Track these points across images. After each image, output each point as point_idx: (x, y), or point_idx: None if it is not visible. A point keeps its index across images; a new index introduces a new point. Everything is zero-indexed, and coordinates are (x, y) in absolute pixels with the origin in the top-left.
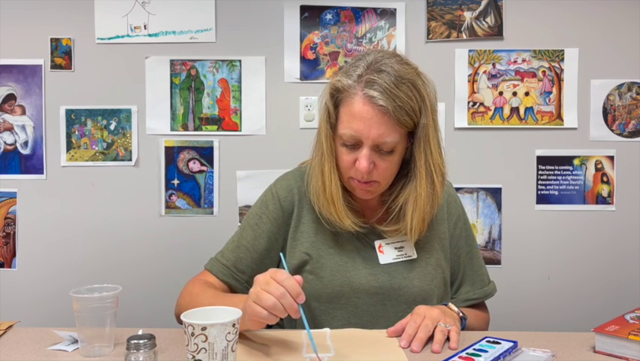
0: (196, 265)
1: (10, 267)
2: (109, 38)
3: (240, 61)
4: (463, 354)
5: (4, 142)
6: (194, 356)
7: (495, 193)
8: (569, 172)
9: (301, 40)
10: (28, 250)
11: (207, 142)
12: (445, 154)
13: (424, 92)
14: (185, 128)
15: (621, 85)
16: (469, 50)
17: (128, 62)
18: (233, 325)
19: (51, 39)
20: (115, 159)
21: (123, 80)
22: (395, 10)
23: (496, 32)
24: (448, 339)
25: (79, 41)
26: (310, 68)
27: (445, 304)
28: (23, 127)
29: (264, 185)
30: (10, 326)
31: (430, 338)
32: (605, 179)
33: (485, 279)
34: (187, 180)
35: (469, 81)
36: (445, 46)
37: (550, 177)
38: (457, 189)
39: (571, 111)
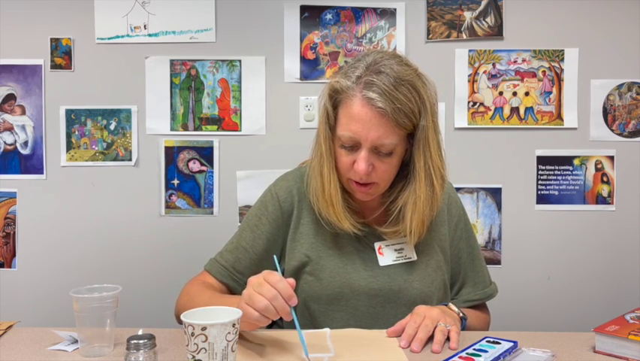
0: (196, 265)
1: (10, 267)
2: (109, 38)
3: (240, 61)
4: (463, 354)
5: (4, 142)
6: (194, 356)
7: (495, 193)
8: (569, 172)
9: (301, 40)
10: (28, 250)
11: (207, 142)
12: (446, 156)
13: (424, 94)
14: (185, 128)
15: (621, 85)
16: (469, 50)
17: (128, 62)
18: (233, 325)
19: (51, 39)
20: (115, 159)
21: (123, 80)
22: (395, 10)
23: (496, 32)
24: (448, 339)
25: (79, 41)
26: (310, 68)
27: (446, 305)
28: (23, 127)
29: (264, 185)
30: (10, 326)
31: (430, 338)
32: (605, 179)
33: (487, 280)
34: (187, 180)
35: (469, 81)
36: (445, 46)
37: (550, 177)
38: (457, 189)
39: (571, 111)
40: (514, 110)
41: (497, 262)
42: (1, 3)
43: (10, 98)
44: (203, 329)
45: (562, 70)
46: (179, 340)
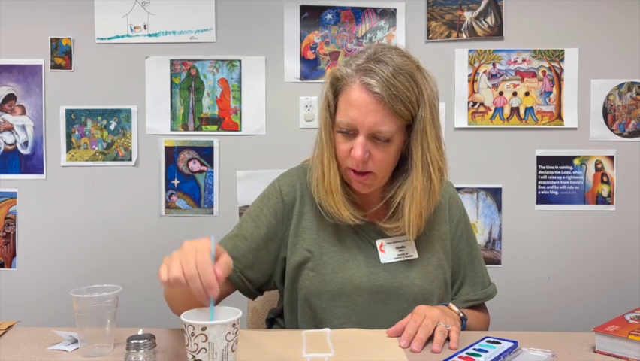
0: None
1: (10, 267)
2: (109, 38)
3: (240, 61)
4: (463, 354)
5: (4, 142)
6: (194, 356)
7: (495, 193)
8: (569, 172)
9: (301, 40)
10: (28, 250)
11: (207, 142)
12: (446, 151)
13: (422, 85)
14: (185, 128)
15: (621, 85)
16: (469, 50)
17: (128, 62)
18: (233, 325)
19: (51, 39)
20: (115, 159)
21: (123, 80)
22: (395, 10)
23: (496, 32)
24: (448, 339)
25: (79, 41)
26: (310, 68)
27: (446, 305)
28: (23, 127)
29: (264, 185)
30: (10, 326)
31: (430, 338)
32: (605, 179)
33: (486, 280)
34: (187, 180)
35: (469, 81)
36: (445, 46)
37: (550, 177)
38: (457, 189)
39: (571, 111)
40: (514, 110)
41: (497, 262)
42: (1, 3)
43: (10, 98)
44: (203, 329)
45: (562, 70)
46: (179, 340)
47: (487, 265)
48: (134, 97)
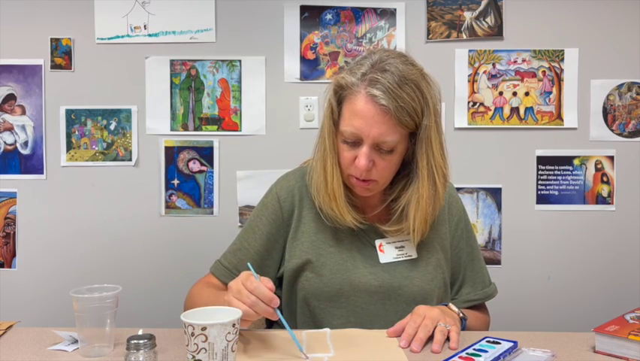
0: (196, 266)
1: (10, 267)
2: (109, 38)
3: (240, 61)
4: (463, 354)
5: (4, 142)
6: (194, 356)
7: (495, 193)
8: (569, 172)
9: (301, 40)
10: (28, 250)
11: (207, 142)
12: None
13: (427, 94)
14: (185, 128)
15: (621, 85)
16: (469, 50)
17: (128, 62)
18: (233, 325)
19: (51, 39)
20: (115, 159)
21: (123, 80)
22: (395, 10)
23: (496, 32)
24: (448, 339)
25: (79, 41)
26: (310, 68)
27: (446, 305)
28: (23, 127)
29: (263, 185)
30: (10, 326)
31: (430, 338)
32: (605, 179)
33: (486, 280)
34: (187, 180)
35: (469, 81)
36: (445, 46)
37: (550, 177)
38: (458, 189)
39: (571, 111)
40: (514, 110)
41: (497, 262)
42: (1, 3)
43: (10, 98)
44: (203, 329)
45: (562, 70)
46: (179, 340)
47: (487, 265)
48: (134, 97)
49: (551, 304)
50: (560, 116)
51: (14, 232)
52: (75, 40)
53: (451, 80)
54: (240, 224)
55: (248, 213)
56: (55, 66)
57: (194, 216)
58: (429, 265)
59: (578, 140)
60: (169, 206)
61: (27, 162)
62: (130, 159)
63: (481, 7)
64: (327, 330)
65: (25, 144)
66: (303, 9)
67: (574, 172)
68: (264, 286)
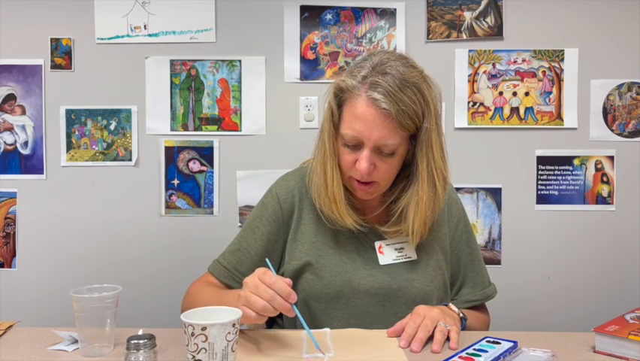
0: (196, 265)
1: (10, 267)
2: (109, 38)
3: (240, 61)
4: (463, 354)
5: (4, 142)
6: (194, 356)
7: (495, 193)
8: (569, 172)
9: (301, 40)
10: (28, 250)
11: (207, 142)
12: (448, 157)
13: (428, 96)
14: (185, 128)
15: (621, 85)
16: (469, 50)
17: (128, 62)
18: (233, 325)
19: (51, 39)
20: (115, 159)
21: (123, 80)
22: (395, 10)
23: (496, 32)
24: (448, 339)
25: (79, 41)
26: (310, 68)
27: (446, 305)
28: (23, 127)
29: (263, 185)
30: (10, 326)
31: (430, 338)
32: (605, 179)
33: (486, 281)
34: (187, 180)
35: (469, 81)
36: (445, 46)
37: (550, 177)
38: (457, 189)
39: (571, 111)
40: (514, 110)
41: (497, 262)
42: (1, 3)
43: (10, 98)
44: (203, 329)
45: (562, 70)
46: (179, 340)
47: (487, 266)
48: (134, 97)
49: (551, 304)
50: (560, 116)
51: (14, 232)
52: (75, 40)
53: (451, 80)
54: (239, 224)
55: (248, 213)
56: (55, 66)
57: (194, 216)
58: (428, 267)
59: (578, 140)
60: (169, 206)
61: (27, 162)
62: (130, 159)
63: (481, 7)
64: (327, 330)
65: (25, 144)
66: (303, 9)
67: (574, 172)
68: (283, 281)
